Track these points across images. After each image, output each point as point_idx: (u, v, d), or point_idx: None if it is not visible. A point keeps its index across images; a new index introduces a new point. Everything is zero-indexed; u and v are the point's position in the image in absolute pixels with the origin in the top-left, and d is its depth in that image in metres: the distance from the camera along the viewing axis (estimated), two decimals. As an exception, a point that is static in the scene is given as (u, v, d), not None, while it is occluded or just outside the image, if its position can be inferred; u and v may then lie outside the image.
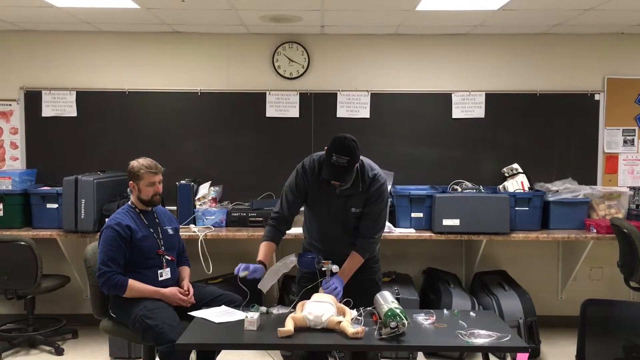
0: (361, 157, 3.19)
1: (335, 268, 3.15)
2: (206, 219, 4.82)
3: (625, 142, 5.27)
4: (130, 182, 3.56)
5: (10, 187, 4.82)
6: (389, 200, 4.82)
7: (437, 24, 4.90)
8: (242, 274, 3.04)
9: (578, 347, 2.84)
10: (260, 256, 3.19)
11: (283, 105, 5.24)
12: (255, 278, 3.08)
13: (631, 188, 5.16)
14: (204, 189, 4.94)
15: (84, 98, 5.23)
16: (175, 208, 4.80)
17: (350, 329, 2.74)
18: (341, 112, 5.23)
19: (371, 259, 3.38)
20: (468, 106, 5.24)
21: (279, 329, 2.76)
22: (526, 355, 2.68)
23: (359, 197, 3.21)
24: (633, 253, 4.30)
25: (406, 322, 2.71)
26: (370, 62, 5.27)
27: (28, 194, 4.84)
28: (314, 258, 3.20)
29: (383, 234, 4.48)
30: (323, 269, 3.15)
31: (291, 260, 3.23)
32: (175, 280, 3.59)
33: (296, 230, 3.57)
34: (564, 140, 5.26)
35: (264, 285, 3.34)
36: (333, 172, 3.02)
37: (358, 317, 2.94)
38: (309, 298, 3.02)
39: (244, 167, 5.26)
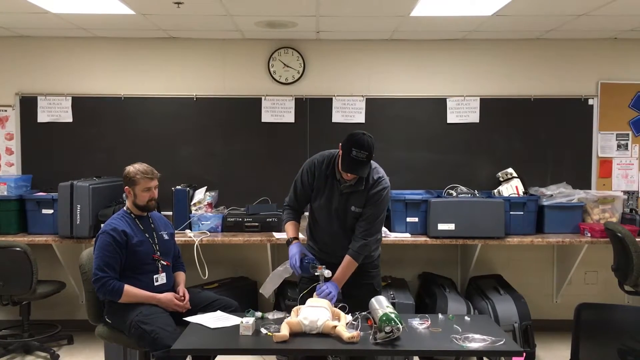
0: None
1: (327, 273, 3.17)
2: (202, 224, 4.82)
3: (619, 146, 5.30)
4: (126, 187, 3.56)
5: (5, 193, 4.80)
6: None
7: (431, 29, 4.92)
8: (313, 270, 3.18)
9: (572, 351, 2.84)
10: (292, 233, 3.39)
11: (278, 111, 5.25)
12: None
13: (625, 192, 5.21)
14: (200, 194, 4.94)
15: (80, 104, 5.23)
16: (171, 213, 4.80)
17: (345, 333, 2.75)
18: (336, 117, 5.24)
19: (369, 263, 3.40)
20: (463, 111, 5.27)
21: (274, 333, 2.77)
22: (521, 359, 2.69)
23: (360, 196, 3.26)
24: (627, 257, 4.32)
25: (401, 327, 2.72)
26: (365, 68, 5.28)
27: (23, 199, 4.82)
28: (309, 263, 3.21)
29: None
30: (316, 273, 3.17)
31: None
32: (171, 286, 3.59)
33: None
34: (558, 145, 5.28)
35: (266, 290, 3.37)
36: (353, 166, 3.11)
37: (353, 322, 2.95)
38: (304, 303, 3.03)
39: (240, 172, 5.27)
